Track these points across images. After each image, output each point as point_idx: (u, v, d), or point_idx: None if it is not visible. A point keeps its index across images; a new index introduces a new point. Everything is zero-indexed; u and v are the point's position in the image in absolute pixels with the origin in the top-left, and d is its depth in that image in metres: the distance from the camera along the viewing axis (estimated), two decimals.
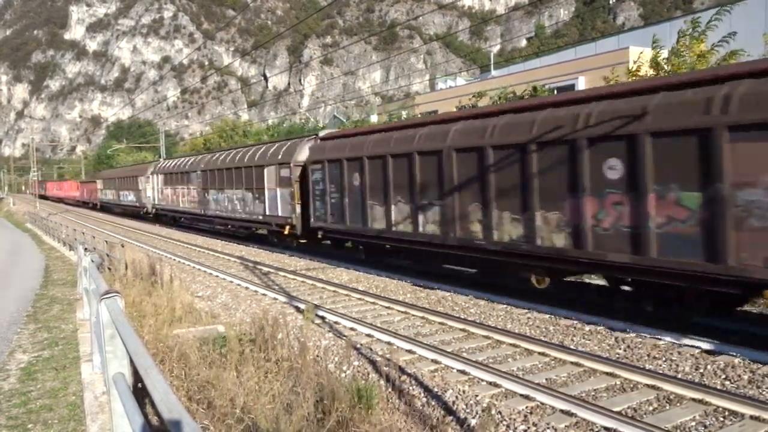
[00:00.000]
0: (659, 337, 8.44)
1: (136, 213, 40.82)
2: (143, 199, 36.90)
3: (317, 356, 8.30)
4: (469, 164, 11.40)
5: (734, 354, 7.54)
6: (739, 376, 6.95)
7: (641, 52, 15.07)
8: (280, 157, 19.67)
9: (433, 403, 6.62)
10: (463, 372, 7.50)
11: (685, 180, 7.99)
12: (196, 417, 5.46)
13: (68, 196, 77.34)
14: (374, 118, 41.75)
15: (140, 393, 3.90)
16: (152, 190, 35.38)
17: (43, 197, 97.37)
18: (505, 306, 10.93)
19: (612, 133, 8.79)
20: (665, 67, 14.41)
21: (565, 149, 9.55)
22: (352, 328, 9.92)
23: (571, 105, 9.85)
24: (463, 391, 6.73)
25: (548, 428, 5.76)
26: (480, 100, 20.61)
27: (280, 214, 19.49)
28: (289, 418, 5.37)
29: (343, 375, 7.57)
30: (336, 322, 10.32)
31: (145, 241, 26.13)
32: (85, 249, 9.53)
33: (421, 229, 12.75)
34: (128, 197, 41.40)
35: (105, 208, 52.08)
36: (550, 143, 9.80)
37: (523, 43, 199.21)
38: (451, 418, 6.24)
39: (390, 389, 6.98)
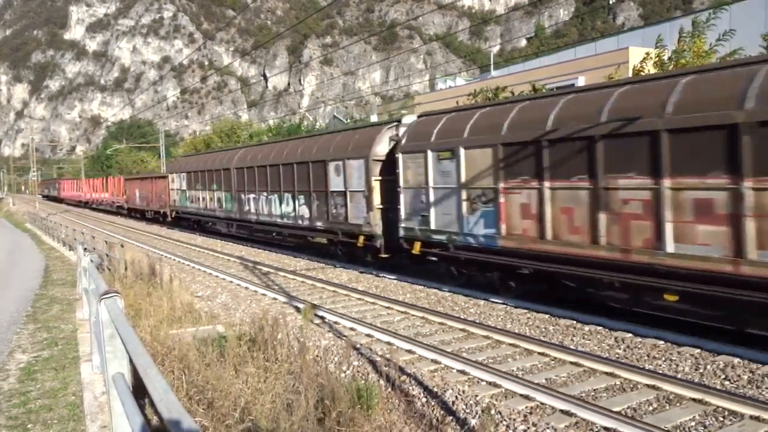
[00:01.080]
0: (659, 337, 8.44)
1: (305, 242, 20.76)
2: (357, 214, 15.78)
3: (317, 356, 8.30)
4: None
5: (734, 354, 7.54)
6: (739, 376, 6.95)
7: (647, 53, 15.06)
8: None
9: (432, 403, 6.61)
10: (462, 372, 7.50)
11: None
12: (195, 417, 5.46)
13: (98, 200, 54.84)
14: (374, 118, 41.74)
15: (140, 393, 3.90)
16: (422, 192, 13.29)
17: (54, 200, 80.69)
18: (504, 306, 10.94)
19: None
20: (669, 66, 14.43)
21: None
22: (351, 328, 9.92)
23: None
24: (463, 391, 6.73)
25: (548, 428, 5.76)
26: (476, 100, 20.62)
27: None
28: (289, 418, 5.37)
29: (343, 375, 7.57)
30: (336, 322, 10.33)
31: (145, 241, 26.13)
32: (85, 249, 9.52)
33: None
34: (286, 208, 19.22)
35: (188, 222, 30.18)
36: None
37: (523, 43, 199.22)
38: (450, 418, 6.24)
39: (390, 389, 6.98)
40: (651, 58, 14.82)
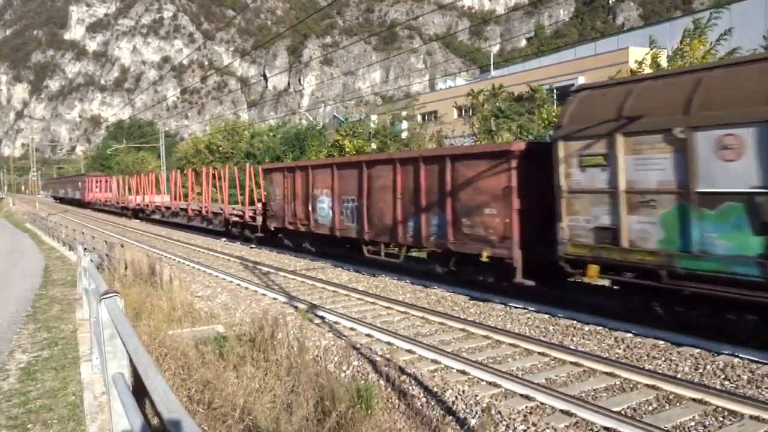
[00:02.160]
0: (659, 337, 8.45)
1: None
2: None
3: (317, 356, 8.30)
4: None
5: (734, 354, 7.54)
6: (739, 376, 6.95)
7: (646, 53, 15.06)
8: None
9: (432, 403, 6.61)
10: (462, 372, 7.50)
11: None
12: (195, 417, 5.46)
13: (165, 208, 33.33)
14: (374, 118, 41.75)
15: (140, 393, 3.90)
16: None
17: (75, 204, 58.45)
18: (504, 306, 10.93)
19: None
20: (667, 67, 14.43)
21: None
22: (351, 328, 9.91)
23: None
24: (463, 391, 6.73)
25: (548, 428, 5.76)
26: (475, 100, 20.65)
27: None
28: (289, 418, 5.37)
29: (342, 375, 7.57)
30: (336, 322, 10.32)
31: (145, 241, 26.12)
32: (85, 249, 9.52)
33: None
34: None
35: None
36: None
37: (523, 43, 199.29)
38: (450, 418, 6.23)
39: (390, 389, 6.98)
40: (647, 60, 14.84)
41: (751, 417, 5.83)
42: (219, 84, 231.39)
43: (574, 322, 9.53)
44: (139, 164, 75.31)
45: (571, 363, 7.66)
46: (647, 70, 14.69)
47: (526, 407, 6.30)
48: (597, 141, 9.23)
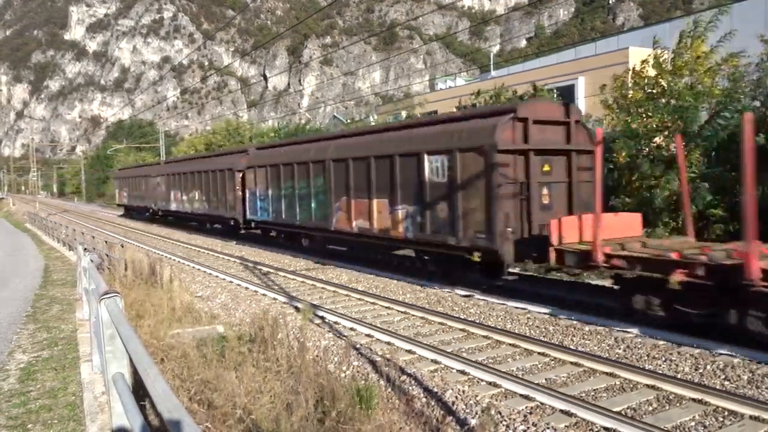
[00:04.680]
0: (659, 337, 8.45)
1: None
2: None
3: (317, 356, 8.30)
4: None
5: (734, 354, 7.55)
6: (739, 376, 6.95)
7: (649, 54, 14.99)
8: None
9: (432, 403, 6.62)
10: (462, 372, 7.50)
11: None
12: (196, 417, 5.46)
13: None
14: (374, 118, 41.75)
15: (140, 393, 3.90)
16: None
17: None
18: (504, 306, 10.94)
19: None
20: (668, 67, 14.38)
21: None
22: (351, 328, 9.91)
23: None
24: (463, 391, 6.73)
25: (548, 428, 5.76)
26: (477, 99, 20.63)
27: None
28: (289, 418, 5.37)
29: (342, 375, 7.57)
30: (336, 322, 10.32)
31: (145, 241, 26.12)
32: (85, 249, 9.52)
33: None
34: None
35: None
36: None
37: (523, 43, 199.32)
38: (450, 418, 6.23)
39: (390, 389, 6.98)
40: (649, 61, 14.79)
41: (751, 417, 5.83)
42: (219, 84, 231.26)
43: (574, 322, 9.53)
44: None
45: (571, 363, 7.66)
46: (650, 71, 14.60)
47: (526, 407, 6.30)
48: None
